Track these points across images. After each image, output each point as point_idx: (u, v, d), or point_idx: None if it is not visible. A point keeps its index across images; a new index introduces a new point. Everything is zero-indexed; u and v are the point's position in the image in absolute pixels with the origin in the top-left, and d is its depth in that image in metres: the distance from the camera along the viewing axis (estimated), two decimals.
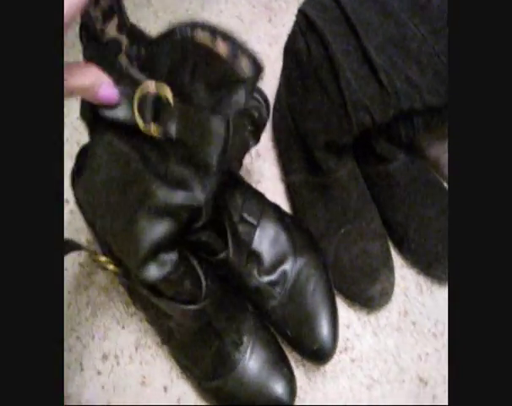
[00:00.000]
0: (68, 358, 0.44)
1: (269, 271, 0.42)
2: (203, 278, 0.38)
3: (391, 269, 0.49)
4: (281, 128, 0.54)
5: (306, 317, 0.41)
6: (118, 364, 0.44)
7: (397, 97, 0.40)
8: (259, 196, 0.46)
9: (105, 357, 0.45)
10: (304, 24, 0.44)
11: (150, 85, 0.27)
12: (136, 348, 0.45)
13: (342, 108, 0.42)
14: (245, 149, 0.42)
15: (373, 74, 0.40)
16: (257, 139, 0.43)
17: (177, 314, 0.37)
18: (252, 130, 0.42)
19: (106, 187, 0.32)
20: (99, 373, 0.44)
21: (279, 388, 0.40)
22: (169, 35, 0.26)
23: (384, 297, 0.48)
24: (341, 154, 0.48)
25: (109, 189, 0.31)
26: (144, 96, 0.27)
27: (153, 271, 0.33)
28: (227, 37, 0.26)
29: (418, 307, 0.49)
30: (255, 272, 0.42)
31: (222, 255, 0.40)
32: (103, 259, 0.36)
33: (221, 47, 0.26)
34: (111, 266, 0.36)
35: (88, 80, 0.26)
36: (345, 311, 0.48)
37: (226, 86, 0.27)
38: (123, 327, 0.46)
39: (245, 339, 0.40)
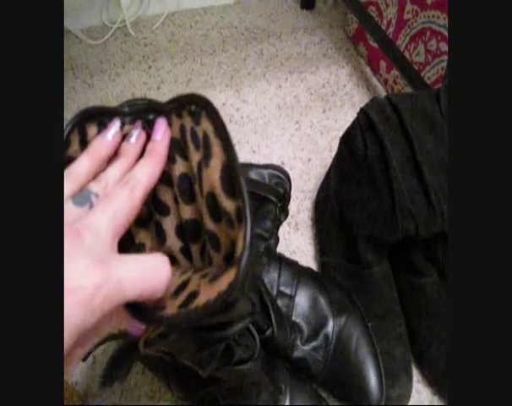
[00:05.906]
0: None
1: (312, 338, 0.43)
2: (257, 336, 0.36)
3: (410, 378, 0.48)
4: (324, 210, 0.56)
5: (351, 375, 0.41)
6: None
7: (442, 219, 0.43)
8: (294, 265, 0.47)
9: None
10: (365, 122, 0.48)
11: None
12: None
13: (390, 210, 0.45)
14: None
15: (423, 188, 0.43)
16: (286, 214, 0.44)
17: (229, 376, 0.34)
18: (280, 205, 0.43)
19: None
20: None
21: None
22: None
23: (401, 403, 0.47)
24: (380, 252, 0.50)
25: None
26: None
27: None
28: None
29: None
30: (298, 342, 0.42)
31: (268, 333, 0.40)
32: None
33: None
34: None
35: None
36: None
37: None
38: None
39: (283, 386, 0.39)
